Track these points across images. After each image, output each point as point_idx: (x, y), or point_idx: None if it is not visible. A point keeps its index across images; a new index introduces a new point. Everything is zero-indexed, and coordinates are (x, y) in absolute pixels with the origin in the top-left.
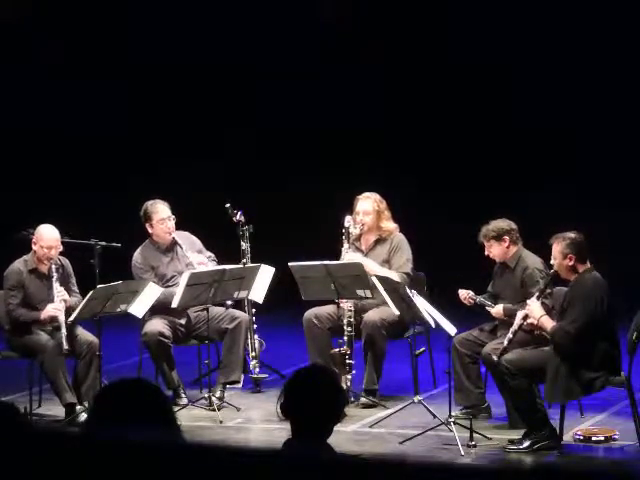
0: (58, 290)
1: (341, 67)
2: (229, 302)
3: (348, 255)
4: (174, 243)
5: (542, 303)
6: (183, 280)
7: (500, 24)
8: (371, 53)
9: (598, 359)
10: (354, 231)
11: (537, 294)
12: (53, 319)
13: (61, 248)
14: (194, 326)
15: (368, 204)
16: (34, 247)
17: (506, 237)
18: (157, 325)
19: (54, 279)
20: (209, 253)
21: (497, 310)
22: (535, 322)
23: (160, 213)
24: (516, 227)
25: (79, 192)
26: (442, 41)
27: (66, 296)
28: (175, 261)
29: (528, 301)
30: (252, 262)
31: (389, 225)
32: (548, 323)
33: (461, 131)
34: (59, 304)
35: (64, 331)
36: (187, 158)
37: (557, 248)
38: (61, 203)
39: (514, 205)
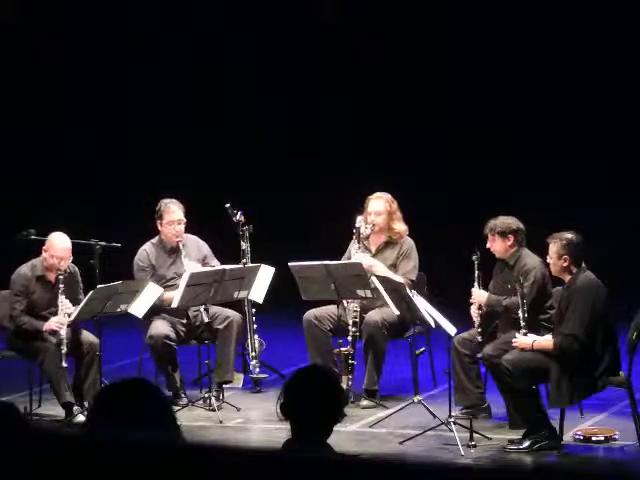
0: (63, 303)
1: (340, 67)
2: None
3: (357, 255)
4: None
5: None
6: (183, 280)
7: (500, 24)
8: (371, 53)
9: (599, 359)
10: (365, 231)
11: (523, 330)
12: (54, 332)
13: (71, 258)
14: (193, 326)
15: (380, 204)
16: (44, 254)
17: (511, 236)
18: (162, 328)
19: (60, 291)
20: (215, 261)
21: (480, 296)
22: (532, 349)
23: (171, 215)
24: (524, 228)
25: (79, 192)
26: (442, 41)
27: (70, 310)
28: (177, 263)
29: (513, 340)
30: (252, 262)
31: (400, 227)
32: (546, 342)
33: (461, 131)
34: (62, 318)
35: (64, 348)
36: (187, 158)
37: (553, 248)
38: (61, 203)
39: (514, 204)
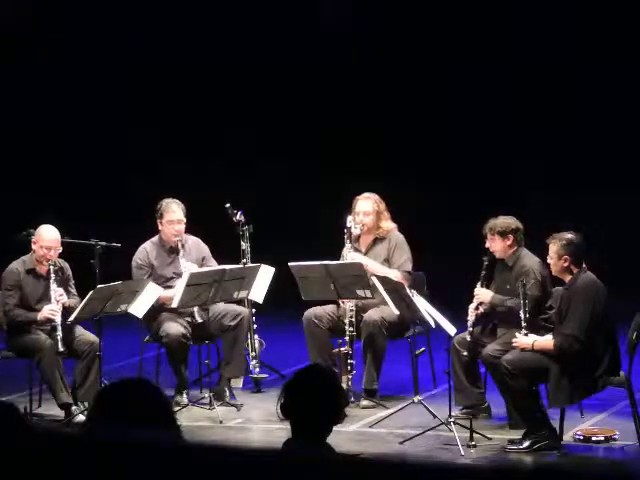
0: (55, 291)
1: (338, 67)
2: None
3: (350, 255)
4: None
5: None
6: (183, 280)
7: (501, 21)
8: (368, 52)
9: (599, 359)
10: (354, 231)
11: (523, 330)
12: (49, 320)
13: (61, 249)
14: (195, 325)
15: (368, 205)
16: (33, 247)
17: (511, 235)
18: (177, 326)
19: (52, 280)
20: (214, 263)
21: (485, 294)
22: (532, 349)
23: (171, 214)
24: (522, 228)
25: (79, 192)
26: (442, 40)
27: (64, 297)
28: (177, 263)
29: (514, 339)
30: (252, 262)
31: (388, 225)
32: (546, 342)
33: (460, 130)
34: (55, 305)
35: (59, 333)
36: (187, 158)
37: (553, 248)
38: (61, 203)
39: (514, 204)
